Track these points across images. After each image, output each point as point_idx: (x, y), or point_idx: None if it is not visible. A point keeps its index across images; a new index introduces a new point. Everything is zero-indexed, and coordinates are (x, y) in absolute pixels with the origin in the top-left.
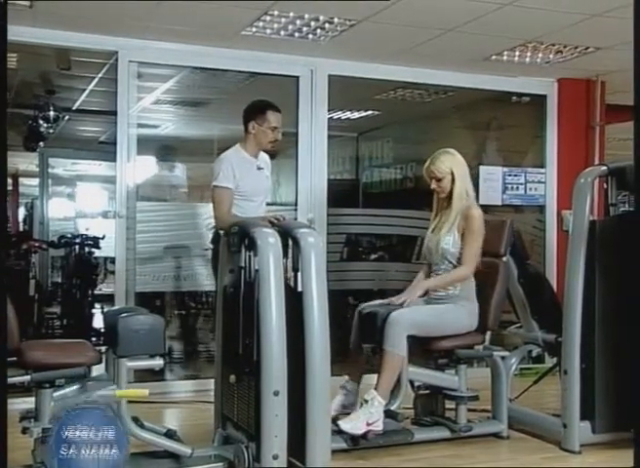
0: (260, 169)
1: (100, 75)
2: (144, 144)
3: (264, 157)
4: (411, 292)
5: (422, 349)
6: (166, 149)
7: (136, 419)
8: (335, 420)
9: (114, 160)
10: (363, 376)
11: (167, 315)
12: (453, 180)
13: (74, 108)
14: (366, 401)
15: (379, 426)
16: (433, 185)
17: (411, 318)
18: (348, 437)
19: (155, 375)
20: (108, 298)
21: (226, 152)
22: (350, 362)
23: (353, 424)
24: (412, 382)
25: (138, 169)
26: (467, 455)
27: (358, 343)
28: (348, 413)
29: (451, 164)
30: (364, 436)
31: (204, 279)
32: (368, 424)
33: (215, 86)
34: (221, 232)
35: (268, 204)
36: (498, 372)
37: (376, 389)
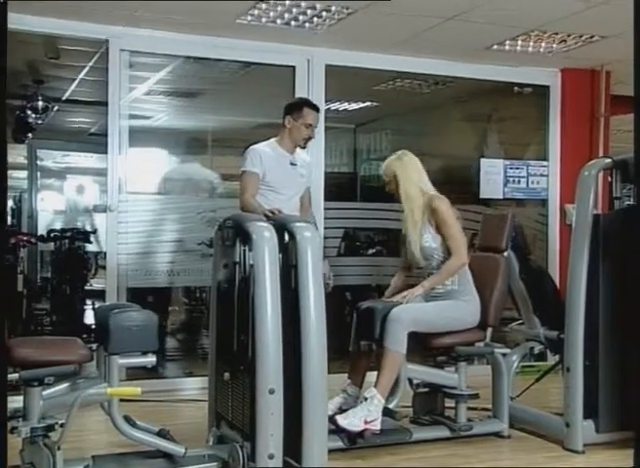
0: (293, 164)
1: (90, 64)
2: (137, 136)
3: (303, 156)
4: (416, 287)
5: (422, 346)
6: (192, 141)
7: (127, 418)
8: (331, 418)
9: (105, 152)
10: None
11: (160, 311)
12: (397, 183)
13: (64, 98)
14: (365, 398)
15: (376, 425)
16: (387, 188)
17: (412, 315)
18: (345, 436)
19: (148, 373)
20: (99, 294)
21: (259, 143)
22: (351, 365)
23: (350, 421)
24: (410, 380)
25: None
26: (467, 455)
27: (358, 344)
28: None
29: (394, 167)
30: (361, 434)
31: (198, 274)
32: (366, 422)
33: (209, 76)
34: None
35: None
36: (498, 370)
37: (375, 387)
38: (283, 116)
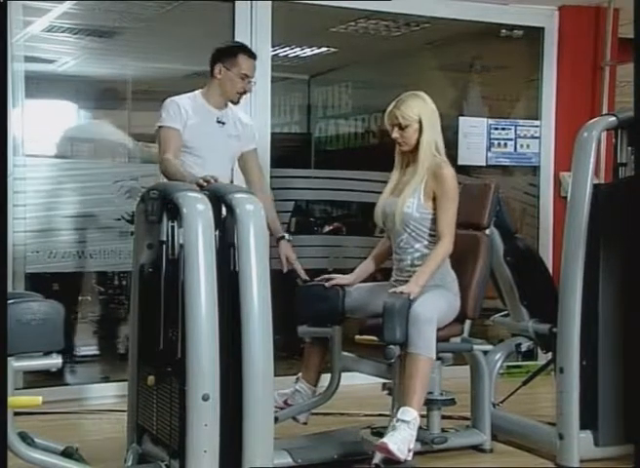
0: (220, 123)
1: None
2: (36, 84)
3: (240, 115)
4: (409, 285)
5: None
6: (107, 93)
7: (24, 435)
8: (381, 446)
9: None
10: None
11: (67, 302)
12: (420, 130)
13: None
14: (404, 421)
15: (412, 452)
16: (395, 134)
17: (435, 311)
18: (382, 462)
19: (52, 378)
20: None
21: (180, 95)
22: (306, 357)
23: (400, 447)
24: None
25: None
26: None
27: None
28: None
29: (420, 110)
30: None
31: (116, 256)
32: (409, 450)
33: (128, 11)
34: None
35: None
36: (479, 371)
37: (409, 405)
38: (212, 64)
